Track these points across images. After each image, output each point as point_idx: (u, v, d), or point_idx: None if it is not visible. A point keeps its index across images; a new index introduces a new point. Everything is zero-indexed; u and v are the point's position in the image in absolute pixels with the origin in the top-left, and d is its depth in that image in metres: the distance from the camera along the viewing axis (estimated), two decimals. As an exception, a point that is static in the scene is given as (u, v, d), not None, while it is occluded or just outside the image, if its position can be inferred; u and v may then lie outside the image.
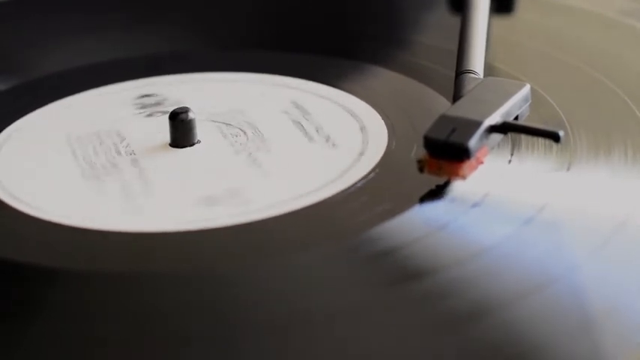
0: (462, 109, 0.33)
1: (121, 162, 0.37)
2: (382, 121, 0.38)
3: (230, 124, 0.39)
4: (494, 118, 0.33)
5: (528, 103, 0.35)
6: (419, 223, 0.32)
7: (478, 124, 0.33)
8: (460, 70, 0.37)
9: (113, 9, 0.50)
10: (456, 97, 0.36)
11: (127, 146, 0.38)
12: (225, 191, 0.34)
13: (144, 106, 0.41)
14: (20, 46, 0.47)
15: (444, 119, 0.33)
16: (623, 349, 0.27)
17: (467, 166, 0.32)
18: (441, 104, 0.38)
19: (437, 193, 0.33)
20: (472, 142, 0.32)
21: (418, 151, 0.35)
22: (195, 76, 0.43)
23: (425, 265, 0.30)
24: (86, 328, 0.28)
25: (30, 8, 0.51)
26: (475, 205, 0.32)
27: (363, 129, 0.38)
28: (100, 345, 0.28)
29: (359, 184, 0.34)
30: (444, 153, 0.32)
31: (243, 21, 0.49)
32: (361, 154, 0.36)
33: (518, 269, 0.30)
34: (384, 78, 0.41)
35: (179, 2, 0.51)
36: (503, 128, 0.33)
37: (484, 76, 0.37)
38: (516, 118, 0.34)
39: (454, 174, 0.32)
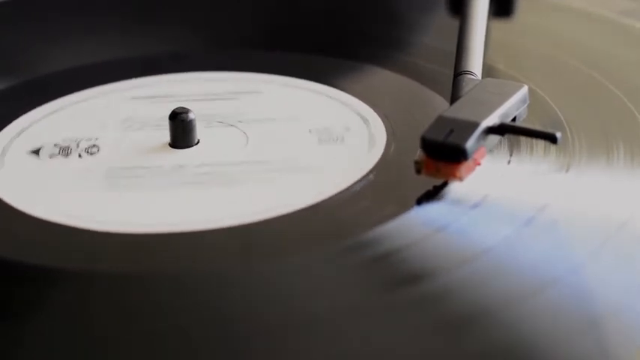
0: (459, 111, 0.33)
1: (174, 178, 0.35)
2: (381, 122, 0.38)
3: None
4: (492, 120, 0.33)
5: (526, 104, 0.35)
6: (418, 224, 0.32)
7: (475, 125, 0.33)
8: (458, 71, 0.37)
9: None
10: (454, 98, 0.36)
11: (143, 166, 0.36)
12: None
13: (66, 154, 0.37)
14: None
15: (441, 120, 0.33)
16: (624, 350, 0.27)
17: (464, 167, 0.32)
18: (439, 105, 0.38)
19: (436, 194, 0.33)
20: (469, 144, 0.32)
21: (417, 152, 0.35)
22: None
23: (425, 266, 0.30)
24: (86, 328, 0.29)
25: None
26: (475, 206, 0.32)
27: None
28: (100, 345, 0.28)
29: (357, 185, 0.34)
30: (442, 154, 0.32)
31: (237, 20, 0.48)
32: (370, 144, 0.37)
33: (518, 271, 0.30)
34: (383, 78, 0.41)
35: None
36: (500, 130, 0.33)
37: (482, 77, 0.37)
38: (514, 119, 0.34)
39: (451, 175, 0.32)
